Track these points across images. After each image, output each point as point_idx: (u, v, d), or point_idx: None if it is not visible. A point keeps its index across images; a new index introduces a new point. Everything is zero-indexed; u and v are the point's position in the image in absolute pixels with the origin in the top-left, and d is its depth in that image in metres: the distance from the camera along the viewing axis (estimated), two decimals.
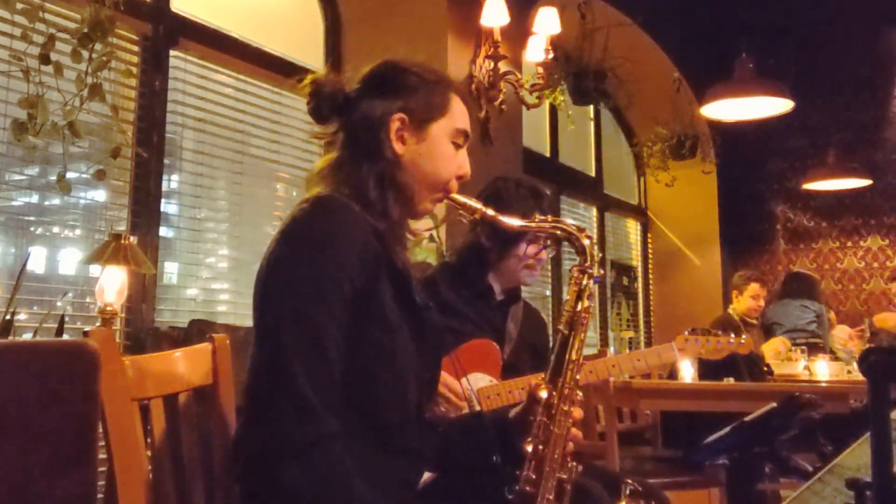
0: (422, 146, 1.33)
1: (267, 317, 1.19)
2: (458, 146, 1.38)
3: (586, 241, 1.37)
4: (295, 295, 1.16)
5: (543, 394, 1.29)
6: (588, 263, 1.37)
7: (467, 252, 2.08)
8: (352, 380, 1.18)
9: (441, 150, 1.35)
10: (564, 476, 1.27)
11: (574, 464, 1.28)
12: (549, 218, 1.42)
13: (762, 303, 4.96)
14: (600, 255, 1.38)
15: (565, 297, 1.38)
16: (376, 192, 1.28)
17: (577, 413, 1.31)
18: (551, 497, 1.25)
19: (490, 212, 1.38)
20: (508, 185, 2.07)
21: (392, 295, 1.25)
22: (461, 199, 1.38)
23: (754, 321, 4.98)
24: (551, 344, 1.35)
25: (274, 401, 1.12)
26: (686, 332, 2.24)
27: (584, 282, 1.36)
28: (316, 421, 1.10)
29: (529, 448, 1.26)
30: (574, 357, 1.31)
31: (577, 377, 1.31)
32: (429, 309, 1.36)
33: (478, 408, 1.91)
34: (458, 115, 1.38)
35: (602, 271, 1.39)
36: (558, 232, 1.41)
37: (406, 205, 1.33)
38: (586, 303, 1.35)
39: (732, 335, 2.28)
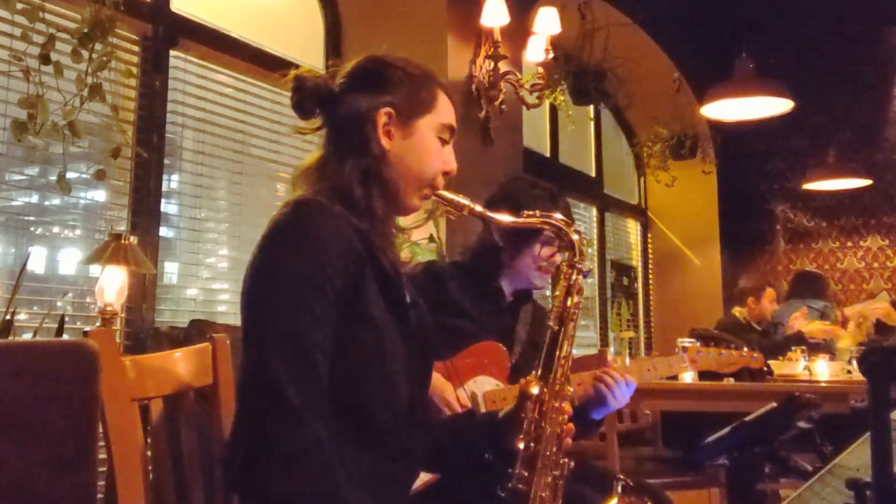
0: (408, 141, 1.32)
1: (251, 323, 1.19)
2: (444, 141, 1.36)
3: (575, 236, 1.36)
4: (277, 300, 1.16)
5: (534, 390, 1.28)
6: (577, 259, 1.35)
7: (480, 251, 2.03)
8: (340, 382, 1.17)
9: (428, 145, 1.34)
10: (557, 473, 1.26)
11: (567, 460, 1.28)
12: (538, 212, 1.39)
13: (776, 306, 4.96)
14: (590, 249, 1.37)
15: (555, 292, 1.37)
16: (360, 190, 1.27)
17: (568, 408, 1.30)
18: (545, 494, 1.24)
19: (478, 207, 1.36)
20: (522, 185, 2.02)
21: (378, 294, 1.24)
22: (448, 195, 1.36)
23: (758, 326, 4.95)
24: (545, 343, 1.34)
25: (260, 407, 1.12)
26: (692, 342, 2.18)
27: (574, 277, 1.34)
28: (302, 426, 1.10)
29: (521, 445, 1.26)
30: (564, 353, 1.30)
31: (568, 373, 1.30)
32: (418, 307, 1.34)
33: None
34: (444, 110, 1.36)
35: (591, 266, 1.38)
36: (546, 227, 1.39)
37: (392, 201, 1.32)
38: (576, 298, 1.33)
39: (745, 349, 2.22)
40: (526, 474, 1.24)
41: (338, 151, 1.31)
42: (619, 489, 1.33)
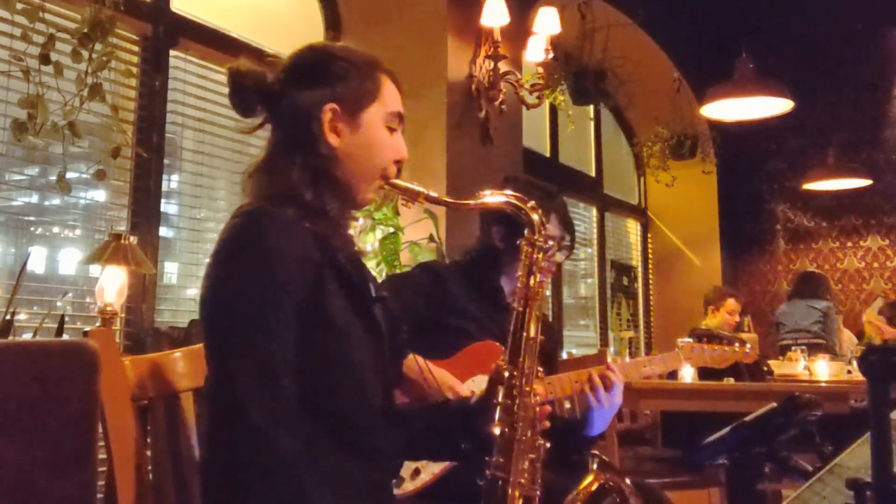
0: (357, 136, 1.27)
1: (213, 343, 1.18)
2: (392, 130, 1.32)
3: (535, 216, 1.32)
4: (236, 317, 1.14)
5: (504, 374, 1.26)
6: (537, 237, 1.32)
7: (479, 252, 2.03)
8: (310, 389, 1.16)
9: (377, 136, 1.29)
10: (534, 456, 1.24)
11: (542, 442, 1.26)
12: (495, 191, 1.36)
13: (737, 318, 4.87)
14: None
15: (517, 273, 1.33)
16: (311, 192, 1.23)
17: (541, 390, 1.28)
18: (523, 480, 1.22)
19: (433, 193, 1.33)
20: (519, 185, 2.02)
21: (340, 296, 1.21)
22: (402, 184, 1.33)
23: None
24: (511, 325, 1.30)
25: (226, 425, 1.12)
26: (691, 340, 2.21)
27: (535, 256, 1.32)
28: (268, 443, 1.08)
29: (496, 431, 1.23)
30: (531, 335, 1.28)
31: (537, 355, 1.28)
32: (383, 300, 1.31)
33: None
34: (389, 97, 1.31)
35: (552, 243, 1.35)
36: (505, 206, 1.35)
37: (344, 199, 1.28)
38: (538, 277, 1.31)
39: (737, 344, 2.24)
40: (502, 461, 1.23)
41: (284, 151, 1.26)
42: (595, 466, 1.32)
